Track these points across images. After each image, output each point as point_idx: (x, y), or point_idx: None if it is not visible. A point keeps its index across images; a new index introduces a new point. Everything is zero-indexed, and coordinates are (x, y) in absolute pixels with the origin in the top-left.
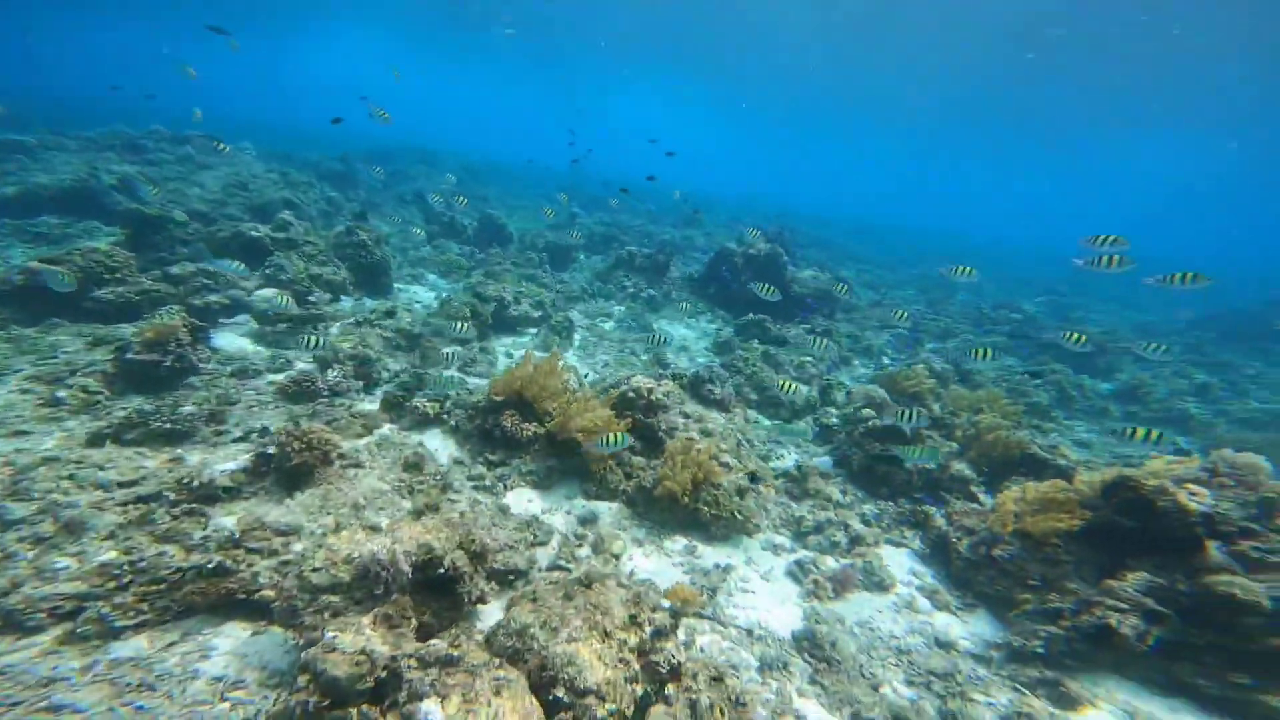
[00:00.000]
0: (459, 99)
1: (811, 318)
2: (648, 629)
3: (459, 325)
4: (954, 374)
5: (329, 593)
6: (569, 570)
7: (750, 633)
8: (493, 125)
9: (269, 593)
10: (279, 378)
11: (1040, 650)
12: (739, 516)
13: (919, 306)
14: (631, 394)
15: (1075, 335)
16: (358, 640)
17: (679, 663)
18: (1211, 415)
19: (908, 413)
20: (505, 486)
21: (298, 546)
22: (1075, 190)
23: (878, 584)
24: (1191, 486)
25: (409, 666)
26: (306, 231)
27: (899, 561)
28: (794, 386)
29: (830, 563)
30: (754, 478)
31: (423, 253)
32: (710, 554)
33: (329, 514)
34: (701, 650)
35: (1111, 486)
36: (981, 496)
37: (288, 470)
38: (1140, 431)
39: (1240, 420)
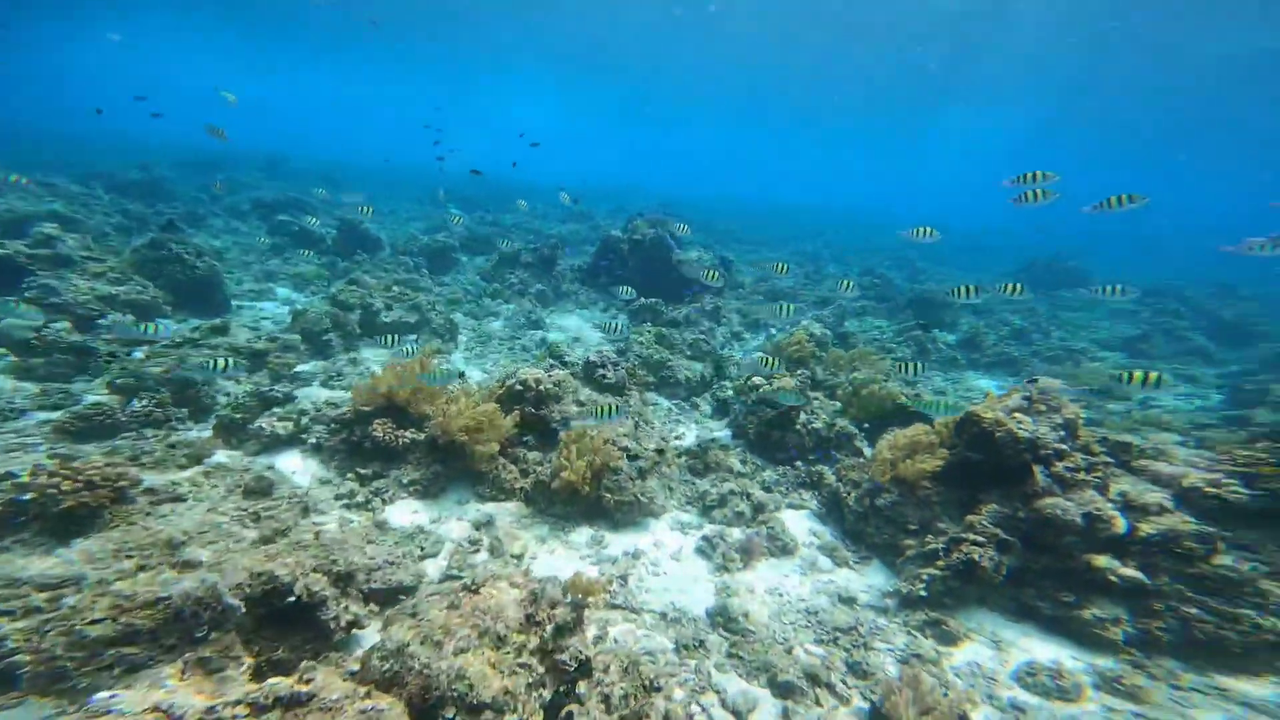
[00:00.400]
0: (306, 102)
1: (700, 295)
2: (549, 627)
3: (390, 339)
4: (831, 338)
5: (122, 645)
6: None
7: (665, 616)
8: (347, 128)
9: (25, 657)
10: (56, 415)
11: (924, 593)
12: (643, 499)
13: (799, 277)
14: (519, 386)
15: (1013, 287)
16: (150, 696)
17: (587, 658)
18: (1028, 354)
19: (910, 365)
20: (384, 500)
21: (72, 599)
22: (907, 167)
23: (782, 548)
24: (1019, 416)
25: (238, 715)
26: (88, 247)
27: (800, 523)
28: (774, 362)
29: (736, 534)
30: (634, 458)
31: (270, 265)
32: (618, 541)
33: (129, 557)
34: (615, 641)
35: (960, 424)
36: (866, 450)
37: (58, 515)
38: (1138, 375)
39: (1048, 357)
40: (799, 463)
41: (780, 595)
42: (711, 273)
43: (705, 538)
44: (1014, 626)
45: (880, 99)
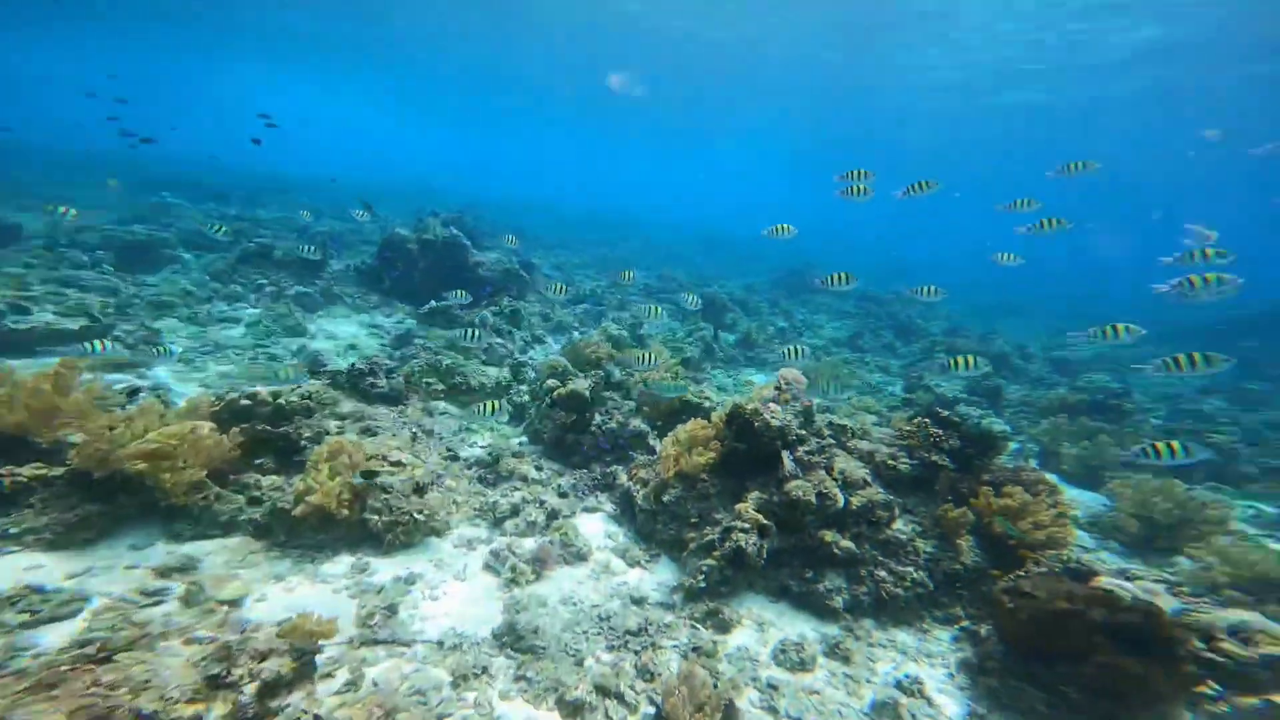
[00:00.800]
0: None
1: (496, 297)
2: (250, 686)
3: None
4: (629, 339)
5: None
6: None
7: (442, 644)
8: None
9: None
10: None
11: (703, 585)
12: (420, 517)
13: (602, 282)
14: (247, 401)
15: (841, 278)
16: None
17: (316, 716)
18: None
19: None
20: None
21: None
22: (701, 181)
23: (576, 554)
24: (772, 406)
25: None
26: None
27: (595, 527)
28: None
29: (529, 544)
30: (369, 475)
31: None
32: (387, 567)
33: None
34: (375, 685)
35: (730, 417)
36: (658, 448)
37: None
38: (960, 361)
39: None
40: (595, 464)
41: (574, 604)
42: (558, 286)
43: (494, 552)
44: (773, 607)
45: (670, 118)
